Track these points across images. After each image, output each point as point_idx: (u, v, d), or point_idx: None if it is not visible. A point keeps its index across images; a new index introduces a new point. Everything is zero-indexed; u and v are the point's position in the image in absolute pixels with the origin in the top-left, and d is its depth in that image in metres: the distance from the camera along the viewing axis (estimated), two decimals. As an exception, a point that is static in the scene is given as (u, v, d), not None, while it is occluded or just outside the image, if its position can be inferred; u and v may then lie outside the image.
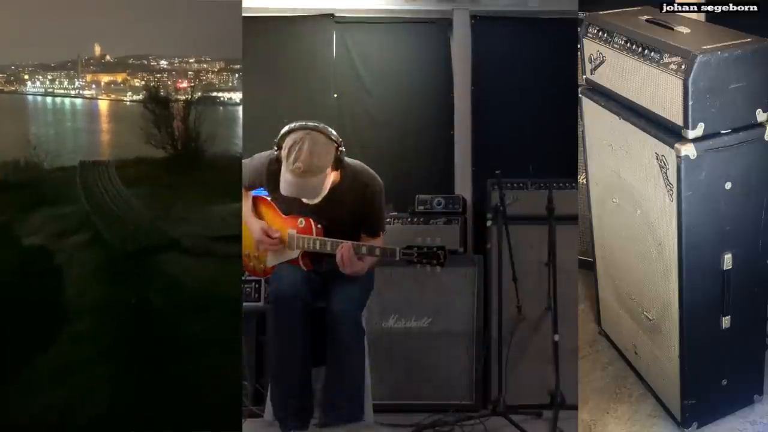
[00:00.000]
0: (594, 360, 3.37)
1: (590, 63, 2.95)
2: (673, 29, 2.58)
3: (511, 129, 4.10)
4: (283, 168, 2.65)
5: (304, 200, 2.76)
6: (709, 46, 2.35)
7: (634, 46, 2.63)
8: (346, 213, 2.82)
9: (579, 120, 3.20)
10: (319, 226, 2.83)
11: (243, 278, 3.45)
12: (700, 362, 2.74)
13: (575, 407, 3.07)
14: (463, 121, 4.15)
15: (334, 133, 2.70)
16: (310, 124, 2.68)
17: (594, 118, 3.03)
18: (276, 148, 2.72)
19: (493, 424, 3.11)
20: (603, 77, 2.89)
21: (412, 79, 4.19)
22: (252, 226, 2.94)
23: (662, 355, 2.89)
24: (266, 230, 2.89)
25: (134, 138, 8.26)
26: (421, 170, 4.16)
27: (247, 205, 2.99)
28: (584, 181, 3.53)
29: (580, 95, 3.09)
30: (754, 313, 2.79)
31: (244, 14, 4.09)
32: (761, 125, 2.47)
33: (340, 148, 2.70)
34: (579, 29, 3.01)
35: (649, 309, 2.92)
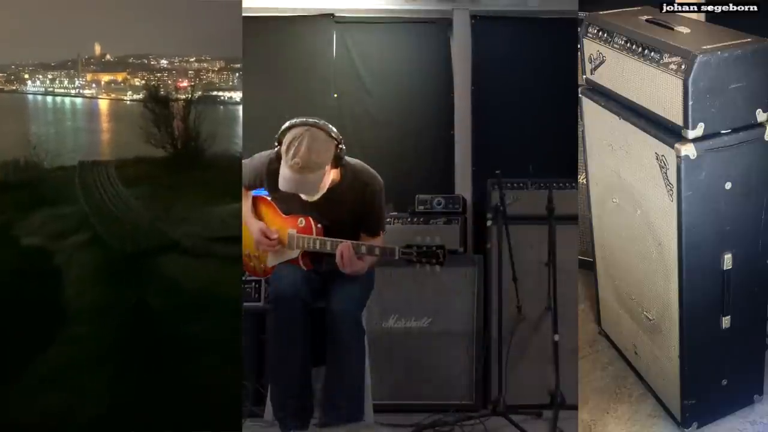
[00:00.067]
0: (594, 360, 3.37)
1: (590, 63, 2.95)
2: (673, 29, 2.58)
3: (511, 129, 4.11)
4: (282, 163, 2.65)
5: (303, 197, 2.76)
6: (709, 46, 2.35)
7: (634, 46, 2.63)
8: (346, 212, 2.82)
9: (579, 120, 3.20)
10: (319, 225, 2.83)
11: (243, 278, 3.45)
12: (700, 362, 2.74)
13: (575, 407, 3.07)
14: (463, 121, 4.15)
15: (334, 130, 2.70)
16: (310, 120, 2.68)
17: (594, 118, 3.03)
18: (276, 143, 2.72)
19: (493, 424, 3.11)
20: (603, 77, 2.89)
21: (412, 79, 4.20)
22: (251, 226, 2.94)
23: (662, 355, 2.89)
24: (265, 231, 2.88)
25: (134, 137, 8.24)
26: (421, 170, 4.17)
27: (247, 205, 2.99)
28: (584, 181, 3.53)
29: (580, 95, 3.08)
30: (754, 313, 2.79)
31: (244, 14, 4.09)
32: (761, 125, 2.46)
33: (340, 146, 2.70)
34: (579, 29, 3.01)
35: (649, 309, 2.92)
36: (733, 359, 2.81)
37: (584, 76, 3.03)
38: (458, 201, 3.83)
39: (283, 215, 2.89)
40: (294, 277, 2.80)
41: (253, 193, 2.99)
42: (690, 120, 2.36)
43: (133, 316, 4.93)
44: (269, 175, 2.79)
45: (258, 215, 2.97)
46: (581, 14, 3.17)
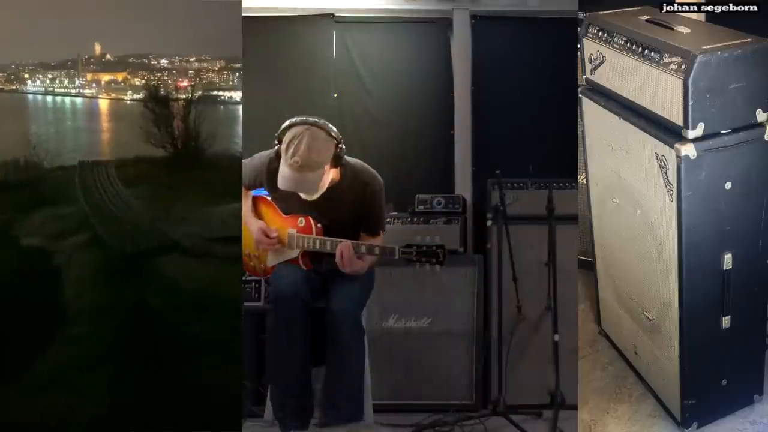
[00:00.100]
0: (594, 360, 3.37)
1: (590, 63, 2.95)
2: (673, 29, 2.58)
3: (511, 129, 4.11)
4: (282, 162, 2.65)
5: (302, 196, 2.76)
6: (709, 46, 2.35)
7: (634, 46, 2.62)
8: (346, 212, 2.82)
9: (579, 120, 3.20)
10: (319, 225, 2.83)
11: (243, 278, 3.45)
12: (700, 362, 2.74)
13: (575, 407, 3.07)
14: (463, 121, 4.15)
15: (334, 129, 2.70)
16: (310, 119, 2.68)
17: (594, 118, 3.03)
18: (276, 142, 2.72)
19: (493, 424, 3.11)
20: (603, 77, 2.89)
21: (412, 79, 4.19)
22: (251, 225, 2.94)
23: (662, 355, 2.89)
24: (264, 230, 2.89)
25: (134, 137, 8.24)
26: (421, 170, 4.16)
27: (247, 205, 2.99)
28: (584, 181, 3.53)
29: (580, 95, 3.08)
30: (754, 313, 2.79)
31: (244, 14, 4.09)
32: (761, 125, 2.46)
33: (340, 145, 2.70)
34: (579, 29, 3.01)
35: (649, 309, 2.92)
36: (733, 359, 2.81)
37: (584, 76, 3.03)
38: (458, 201, 3.83)
39: (283, 215, 2.89)
40: (294, 277, 2.80)
41: (253, 193, 2.99)
42: (690, 120, 2.36)
43: (133, 317, 4.93)
44: (269, 174, 2.79)
45: (258, 215, 2.97)
46: (581, 14, 3.17)
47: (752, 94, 2.41)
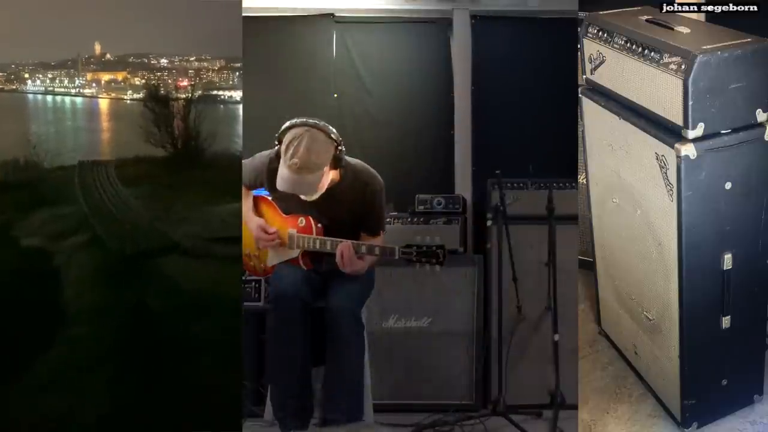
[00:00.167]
0: (594, 360, 3.37)
1: (590, 63, 2.95)
2: (673, 29, 2.58)
3: (511, 129, 4.11)
4: (281, 163, 2.65)
5: (302, 197, 2.76)
6: (709, 46, 2.35)
7: (634, 46, 2.62)
8: (347, 212, 2.82)
9: (579, 120, 3.20)
10: (319, 225, 2.83)
11: (243, 278, 3.45)
12: (700, 362, 2.74)
13: (575, 407, 3.07)
14: (463, 121, 4.15)
15: (334, 131, 2.70)
16: (311, 121, 2.68)
17: (594, 118, 3.03)
18: (277, 142, 2.72)
19: (493, 424, 3.11)
20: (603, 77, 2.89)
21: (412, 79, 4.19)
22: (250, 224, 2.95)
23: (662, 355, 2.89)
24: (263, 226, 2.89)
25: (134, 136, 8.23)
26: (421, 170, 4.16)
27: (247, 204, 2.99)
28: (584, 181, 3.53)
29: (580, 95, 3.08)
30: (754, 313, 2.79)
31: (244, 14, 4.09)
32: (761, 125, 2.46)
33: (340, 147, 2.70)
34: (579, 29, 3.01)
35: (649, 309, 2.92)
36: (733, 359, 2.81)
37: (584, 76, 3.03)
38: (458, 201, 3.82)
39: (284, 215, 2.89)
40: (294, 277, 2.80)
41: (254, 192, 2.99)
42: (690, 120, 2.36)
43: (133, 317, 4.92)
44: (269, 174, 2.79)
45: (258, 214, 2.97)
46: (581, 14, 3.17)
47: (752, 94, 2.41)
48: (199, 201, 6.87)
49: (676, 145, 2.41)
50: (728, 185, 2.49)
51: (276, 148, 2.74)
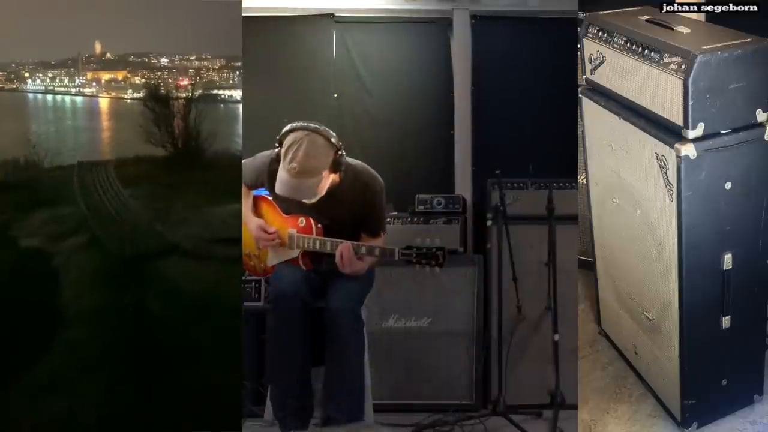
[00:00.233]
0: (594, 360, 3.37)
1: (590, 63, 2.95)
2: (673, 29, 2.58)
3: (511, 129, 4.11)
4: (280, 167, 2.65)
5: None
6: (709, 46, 2.35)
7: (634, 46, 2.62)
8: (347, 213, 2.82)
9: (579, 120, 3.19)
10: (319, 225, 2.83)
11: (243, 278, 3.45)
12: (700, 362, 2.74)
13: (575, 407, 3.07)
14: (463, 121, 4.15)
15: (334, 136, 2.69)
16: (311, 125, 2.68)
17: (594, 118, 3.03)
18: (277, 144, 2.72)
19: (493, 424, 3.11)
20: (603, 77, 2.89)
21: (412, 79, 4.19)
22: (249, 224, 2.95)
23: (662, 355, 2.89)
24: (263, 226, 2.90)
25: (134, 136, 8.23)
26: (421, 170, 4.16)
27: (247, 204, 2.99)
28: (584, 181, 3.53)
29: (580, 95, 3.08)
30: (754, 313, 2.79)
31: (244, 14, 4.09)
32: (761, 125, 2.46)
33: (339, 152, 2.70)
34: (579, 29, 3.01)
35: (649, 309, 2.92)
36: (733, 359, 2.81)
37: (584, 76, 3.03)
38: (458, 201, 3.82)
39: (284, 215, 2.89)
40: (294, 277, 2.80)
41: (254, 192, 2.99)
42: (690, 120, 2.36)
43: (133, 318, 4.92)
44: (270, 174, 2.79)
45: (258, 214, 2.98)
46: (581, 14, 3.17)
47: (752, 94, 2.41)
48: (200, 201, 6.86)
49: (676, 145, 2.40)
50: (728, 185, 2.49)
51: (277, 150, 2.73)
